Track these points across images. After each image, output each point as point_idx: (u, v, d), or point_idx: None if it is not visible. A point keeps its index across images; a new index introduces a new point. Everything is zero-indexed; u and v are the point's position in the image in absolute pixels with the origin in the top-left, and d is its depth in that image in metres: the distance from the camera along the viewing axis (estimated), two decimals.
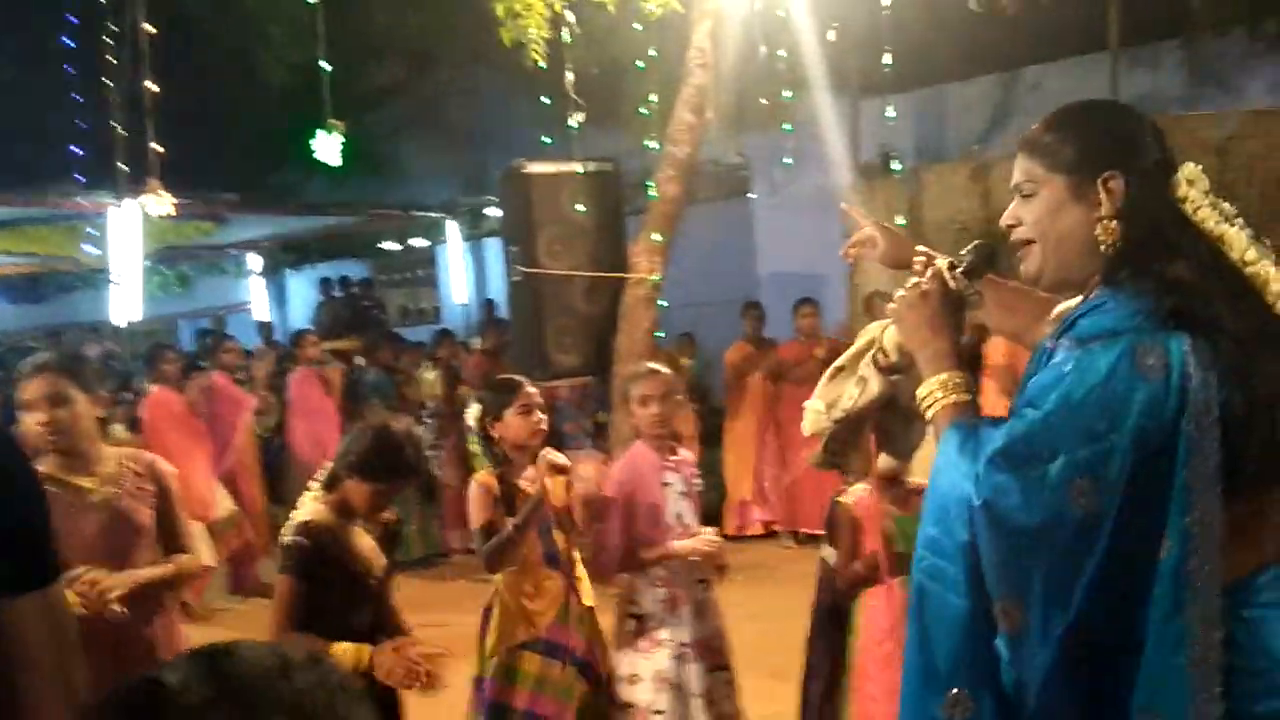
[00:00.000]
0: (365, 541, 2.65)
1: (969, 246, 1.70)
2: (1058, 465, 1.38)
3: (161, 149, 6.85)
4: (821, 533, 3.05)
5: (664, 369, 3.34)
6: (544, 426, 3.13)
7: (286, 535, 2.54)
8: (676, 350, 7.92)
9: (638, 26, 5.92)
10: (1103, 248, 1.51)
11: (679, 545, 3.12)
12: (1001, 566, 1.42)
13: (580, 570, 3.15)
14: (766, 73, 6.58)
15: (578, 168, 5.83)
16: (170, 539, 2.81)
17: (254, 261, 13.32)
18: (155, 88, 6.62)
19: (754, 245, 9.80)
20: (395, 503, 2.81)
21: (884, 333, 2.05)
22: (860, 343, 2.23)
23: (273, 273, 13.95)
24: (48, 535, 1.44)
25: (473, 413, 3.20)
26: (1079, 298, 1.57)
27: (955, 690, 1.44)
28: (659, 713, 3.06)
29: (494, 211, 10.47)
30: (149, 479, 2.79)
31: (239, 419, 6.89)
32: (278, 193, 12.37)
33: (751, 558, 6.76)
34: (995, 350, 4.78)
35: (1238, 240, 1.47)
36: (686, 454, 3.36)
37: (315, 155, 6.72)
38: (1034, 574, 1.40)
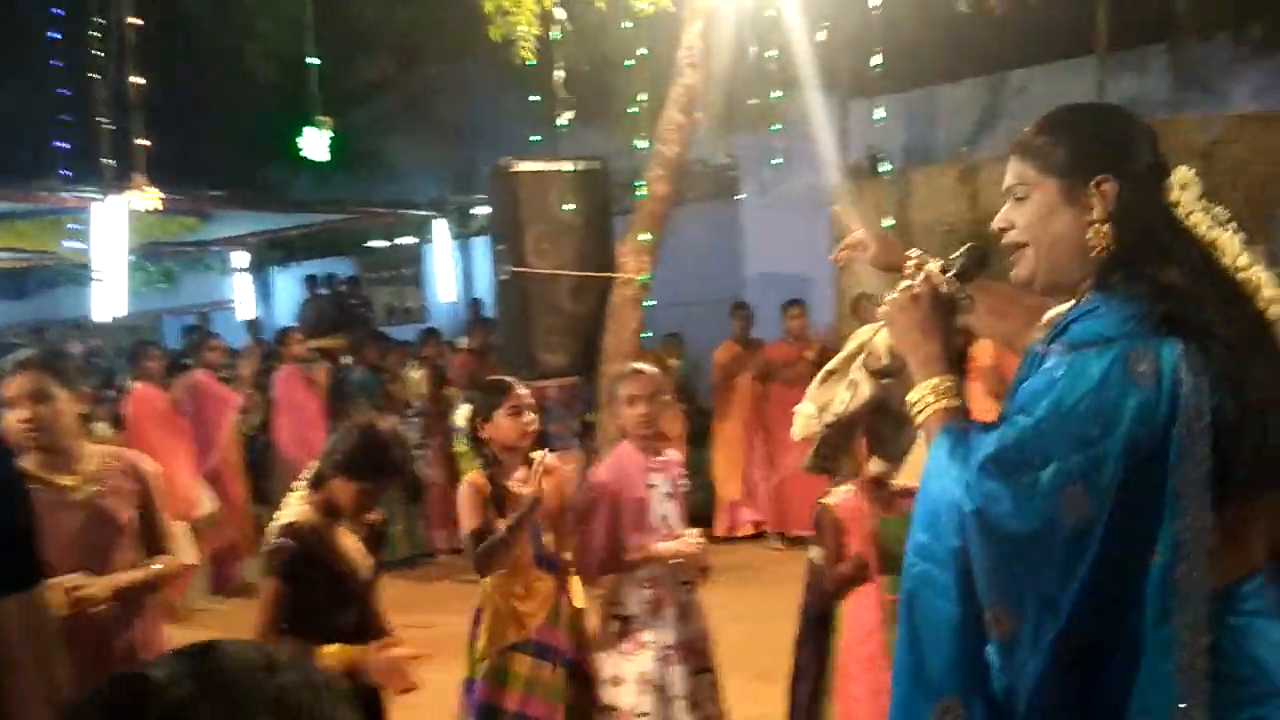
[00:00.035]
0: (351, 542, 2.64)
1: (960, 250, 1.69)
2: (1049, 472, 1.38)
3: (147, 144, 6.81)
4: (810, 534, 3.05)
5: (651, 369, 3.33)
6: (534, 428, 3.14)
7: (272, 537, 2.53)
8: (664, 350, 7.92)
9: (628, 25, 5.90)
10: (1095, 252, 1.50)
11: (662, 547, 3.11)
12: (992, 573, 1.41)
13: (571, 571, 3.14)
14: (756, 73, 6.58)
15: (566, 166, 5.81)
16: (152, 538, 2.78)
17: (239, 258, 13.23)
18: (141, 82, 6.57)
19: (742, 246, 9.81)
20: (381, 503, 2.80)
21: (875, 336, 2.05)
22: (851, 346, 2.22)
23: (258, 270, 13.87)
24: (32, 538, 1.43)
25: (463, 413, 3.19)
26: (1070, 302, 1.56)
27: (946, 697, 1.43)
28: (643, 715, 3.05)
29: (482, 210, 10.46)
30: (131, 477, 2.76)
31: (223, 417, 6.85)
32: (264, 189, 12.30)
33: (739, 559, 6.77)
34: (982, 352, 4.79)
35: (1230, 245, 1.47)
36: (673, 454, 3.35)
37: (303, 152, 6.69)
38: (1025, 581, 1.39)
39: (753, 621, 4.73)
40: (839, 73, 7.14)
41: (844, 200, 7.17)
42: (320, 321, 11.33)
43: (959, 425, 1.53)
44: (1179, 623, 1.35)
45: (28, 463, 2.57)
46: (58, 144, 9.17)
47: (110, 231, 8.18)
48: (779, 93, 6.80)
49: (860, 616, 2.84)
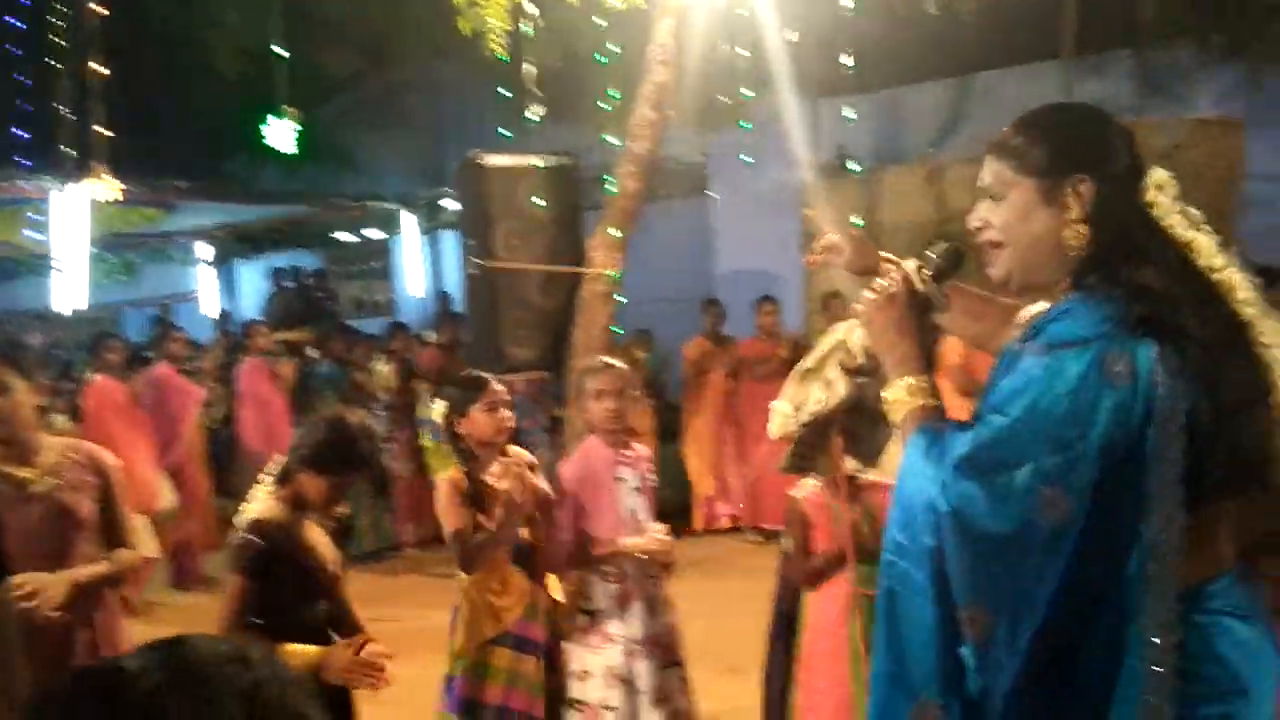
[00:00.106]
0: (319, 536, 2.61)
1: (937, 249, 1.69)
2: (1024, 473, 1.38)
3: (108, 133, 6.70)
4: (784, 527, 3.06)
5: (619, 364, 3.33)
6: (510, 424, 3.13)
7: (238, 532, 2.50)
8: (634, 346, 7.92)
9: (599, 21, 5.89)
10: (1071, 252, 1.50)
11: (629, 543, 3.11)
12: (968, 573, 1.41)
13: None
14: (728, 71, 6.60)
15: (536, 161, 5.79)
16: (112, 532, 2.75)
17: (203, 250, 13.07)
18: (103, 71, 6.47)
19: (712, 243, 9.83)
20: (347, 496, 2.78)
21: (851, 335, 2.05)
22: (827, 345, 2.23)
23: (222, 262, 13.71)
24: None
25: (439, 409, 3.18)
26: (1045, 303, 1.56)
27: (924, 696, 1.43)
28: (610, 709, 3.05)
29: (451, 204, 10.39)
30: (91, 470, 2.72)
31: (186, 411, 6.77)
32: (229, 180, 12.15)
33: (709, 552, 6.80)
34: (951, 350, 4.83)
35: (1205, 246, 1.48)
36: (641, 449, 3.35)
37: (268, 142, 6.61)
38: (1001, 581, 1.39)
39: (722, 615, 4.75)
40: (809, 72, 7.16)
41: (815, 201, 7.21)
42: (286, 314, 11.21)
43: (934, 424, 1.53)
44: (1148, 621, 1.36)
45: None
46: (17, 133, 9.00)
47: (70, 222, 8.05)
48: (749, 91, 6.83)
49: (825, 609, 2.86)
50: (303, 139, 6.64)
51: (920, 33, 7.28)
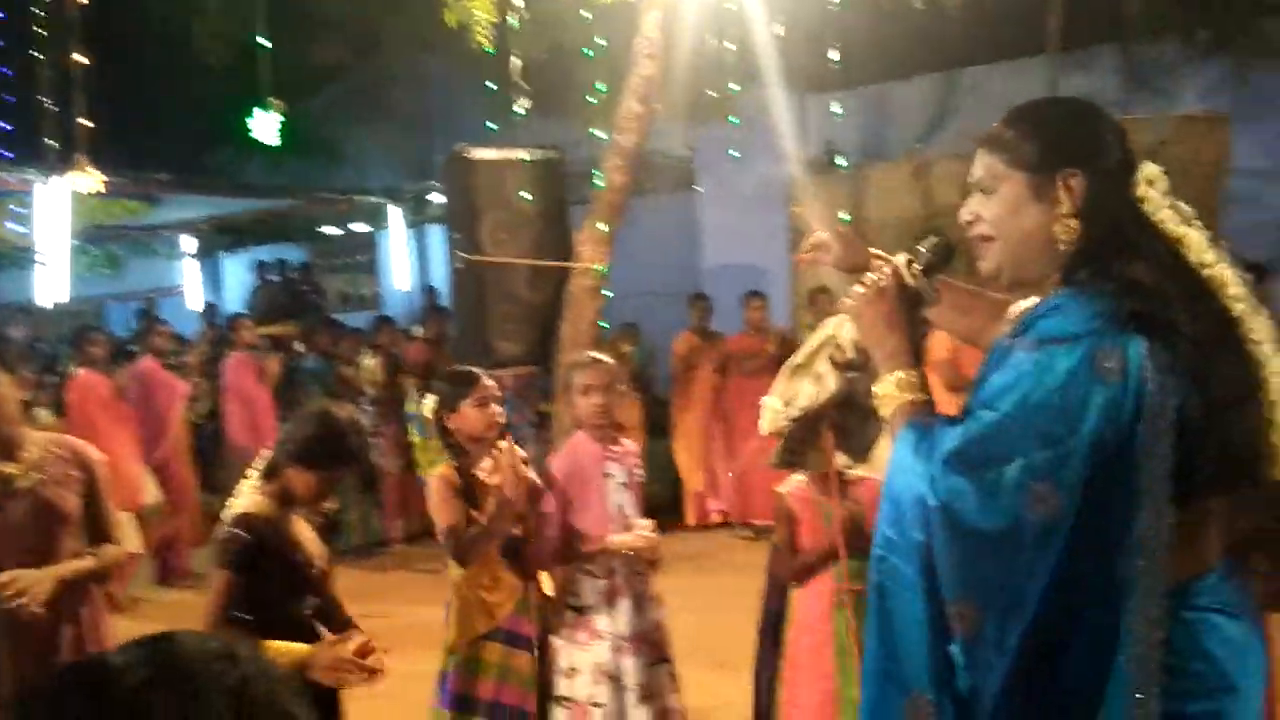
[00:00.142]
0: (305, 531, 2.60)
1: (927, 243, 1.68)
2: (1014, 468, 1.37)
3: (90, 124, 6.64)
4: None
5: (606, 358, 3.32)
6: (501, 419, 3.12)
7: (225, 527, 2.48)
8: (620, 339, 7.91)
9: (586, 14, 5.87)
10: (1062, 246, 1.50)
11: (615, 540, 3.11)
12: (956, 569, 1.41)
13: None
14: (715, 65, 6.58)
15: (523, 155, 5.77)
16: (96, 527, 2.73)
17: (187, 243, 12.98)
18: (85, 61, 6.41)
19: (699, 238, 9.83)
20: (335, 491, 2.76)
21: (841, 330, 2.04)
22: (817, 340, 2.22)
23: (207, 255, 13.62)
24: None
25: (428, 404, 3.17)
26: (1035, 298, 1.56)
27: (916, 693, 1.43)
28: (598, 705, 3.05)
29: (437, 198, 10.35)
30: (75, 465, 2.70)
31: (172, 406, 6.73)
32: (213, 173, 12.07)
33: (702, 547, 6.82)
34: (938, 345, 4.84)
35: (1196, 241, 1.47)
36: (629, 444, 3.35)
37: (252, 134, 6.56)
38: (990, 577, 1.39)
39: (712, 610, 4.75)
40: (796, 67, 7.17)
41: (802, 196, 7.22)
42: (271, 308, 11.16)
43: (924, 419, 1.53)
44: (1135, 617, 1.35)
45: None
46: None
47: (52, 214, 7.98)
48: (736, 86, 6.82)
49: (810, 605, 2.87)
50: (288, 131, 6.59)
51: (907, 28, 7.28)
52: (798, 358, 2.24)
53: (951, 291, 1.81)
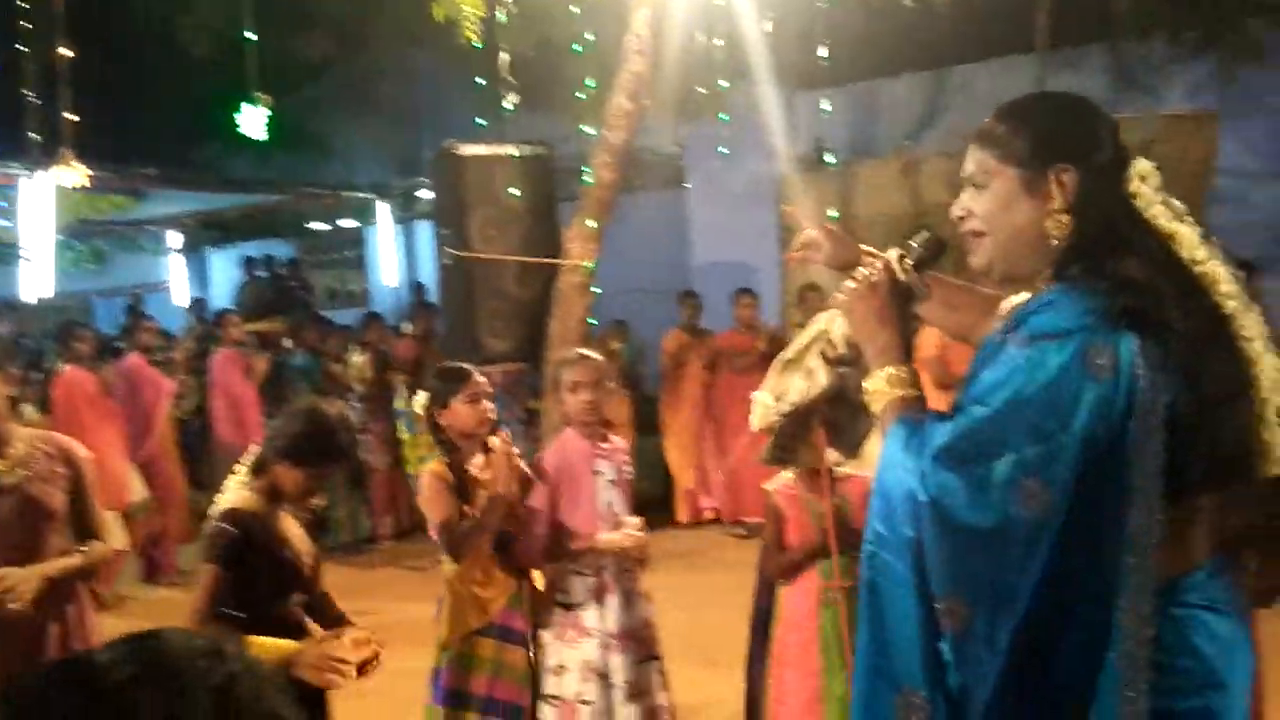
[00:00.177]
0: (294, 527, 2.58)
1: (918, 238, 1.67)
2: (1004, 464, 1.37)
3: (75, 118, 6.59)
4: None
5: (595, 355, 3.31)
6: (492, 415, 3.12)
7: (212, 522, 2.47)
8: (609, 336, 7.90)
9: (575, 9, 5.86)
10: (1054, 242, 1.49)
11: (603, 540, 3.10)
12: (946, 565, 1.40)
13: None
14: (704, 62, 6.58)
15: (512, 151, 5.75)
16: (83, 524, 2.71)
17: (174, 239, 12.91)
18: (70, 54, 6.35)
19: (688, 235, 9.83)
20: (324, 488, 2.75)
21: (832, 324, 2.03)
22: (808, 335, 2.21)
23: (194, 251, 13.55)
24: None
25: (419, 401, 3.17)
26: (1026, 294, 1.55)
27: (907, 689, 1.42)
28: (586, 702, 3.04)
29: (426, 193, 10.32)
30: (62, 462, 2.68)
31: (158, 404, 6.69)
32: (199, 168, 12.00)
33: (693, 545, 6.82)
34: (927, 342, 4.85)
35: (1188, 238, 1.47)
36: (618, 441, 3.34)
37: (240, 129, 6.53)
38: (980, 573, 1.38)
39: (703, 608, 4.76)
40: (785, 64, 7.17)
41: (791, 194, 7.22)
42: (258, 304, 11.11)
43: (914, 415, 1.52)
44: (1125, 614, 1.35)
45: None
46: None
47: (37, 209, 7.92)
48: (725, 82, 6.82)
49: (797, 603, 2.87)
50: (275, 126, 6.55)
51: (896, 26, 7.29)
52: (789, 353, 2.24)
53: (942, 287, 1.80)
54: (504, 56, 5.65)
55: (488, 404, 3.10)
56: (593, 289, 5.82)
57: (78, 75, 6.51)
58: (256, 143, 6.82)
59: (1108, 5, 7.58)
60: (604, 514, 3.15)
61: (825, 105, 7.08)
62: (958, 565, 1.40)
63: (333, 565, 2.97)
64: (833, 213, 7.05)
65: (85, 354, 6.40)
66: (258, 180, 11.22)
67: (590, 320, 5.95)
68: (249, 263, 12.70)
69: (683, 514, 7.41)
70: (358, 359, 7.54)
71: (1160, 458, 1.36)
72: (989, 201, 1.54)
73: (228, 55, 7.51)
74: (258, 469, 2.52)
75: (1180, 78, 7.93)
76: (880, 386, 1.57)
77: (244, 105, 6.38)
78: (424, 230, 11.55)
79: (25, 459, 2.62)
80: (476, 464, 3.09)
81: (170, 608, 5.52)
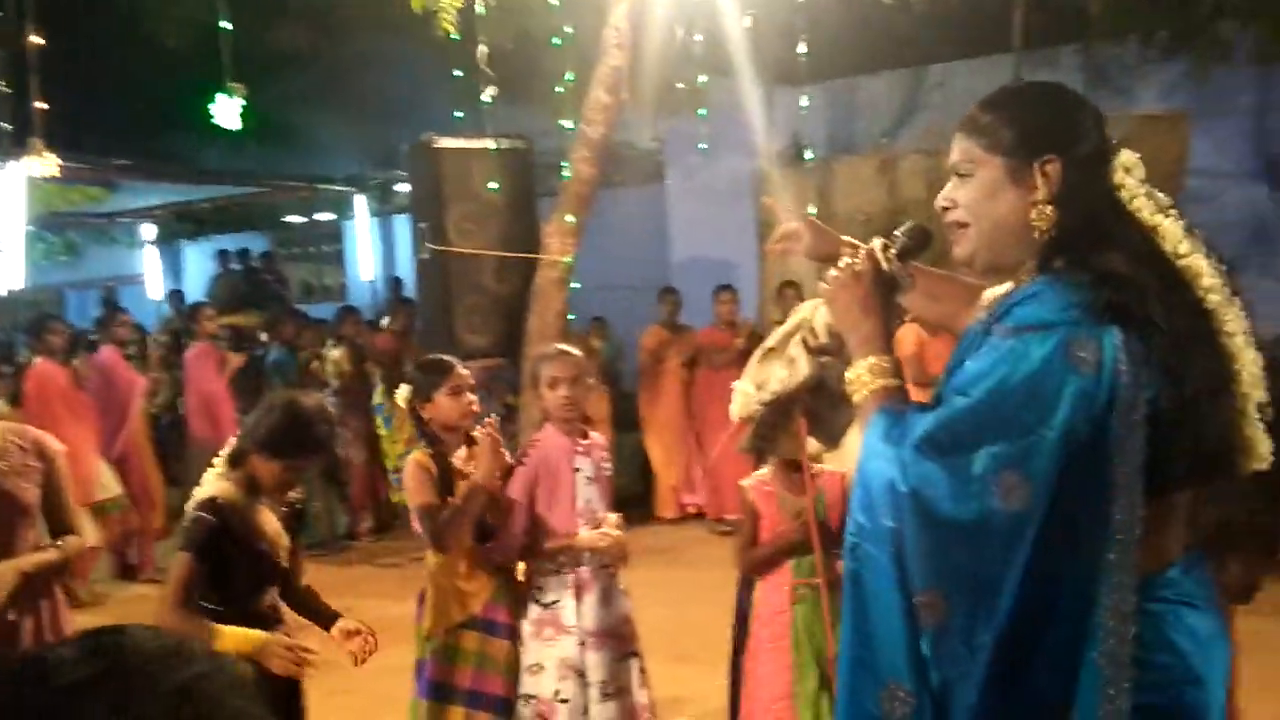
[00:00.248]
0: (271, 521, 2.56)
1: (903, 227, 1.66)
2: (983, 456, 1.36)
3: (45, 106, 6.49)
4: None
5: (574, 351, 3.30)
6: (475, 408, 3.11)
7: (190, 511, 2.44)
8: (589, 333, 7.89)
9: (553, 2, 5.83)
10: (1037, 233, 1.48)
11: (581, 539, 3.09)
12: (926, 557, 1.39)
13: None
14: (684, 57, 6.57)
15: (490, 144, 5.73)
16: (56, 519, 2.68)
17: (148, 231, 12.76)
18: (40, 42, 6.26)
19: (667, 230, 9.82)
20: (302, 482, 2.73)
21: (814, 313, 2.02)
22: (790, 324, 2.20)
23: (168, 243, 13.41)
24: None
25: (401, 394, 3.15)
26: (1008, 284, 1.55)
27: (891, 682, 1.41)
28: (564, 701, 3.03)
29: (403, 187, 10.26)
30: (35, 455, 2.65)
31: (131, 400, 6.61)
32: (172, 159, 11.85)
33: (674, 541, 6.83)
34: (905, 339, 4.88)
35: (1172, 232, 1.46)
36: (598, 438, 3.33)
37: (214, 120, 6.45)
38: (960, 567, 1.37)
39: (681, 604, 4.77)
40: (765, 60, 7.18)
41: (769, 189, 7.23)
42: (233, 297, 11.01)
43: (896, 405, 1.51)
44: (1106, 611, 1.34)
45: None
46: None
47: (7, 200, 7.80)
48: (704, 77, 6.81)
49: (770, 597, 2.88)
50: (250, 117, 6.47)
51: (874, 22, 7.31)
52: (770, 341, 2.22)
53: (923, 277, 1.79)
54: (482, 49, 5.61)
55: (470, 396, 3.09)
56: (571, 284, 5.81)
57: (48, 64, 6.40)
58: (231, 134, 6.74)
59: (1082, 6, 7.63)
60: (583, 511, 3.13)
61: (804, 101, 7.08)
62: (937, 558, 1.39)
63: (310, 563, 2.95)
64: (811, 209, 7.06)
65: (58, 347, 6.31)
66: (232, 172, 11.11)
67: (569, 316, 5.94)
68: (223, 256, 12.58)
69: (667, 510, 7.40)
70: (335, 354, 7.49)
71: (1142, 453, 1.35)
72: (973, 191, 1.53)
73: (201, 45, 7.41)
74: (234, 460, 2.50)
75: (1153, 78, 8.00)
76: (862, 376, 1.56)
77: (218, 96, 6.30)
78: (401, 224, 11.48)
79: None
80: (460, 456, 3.08)
81: (149, 605, 5.46)
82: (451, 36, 5.52)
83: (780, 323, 2.52)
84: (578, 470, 3.15)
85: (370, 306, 10.47)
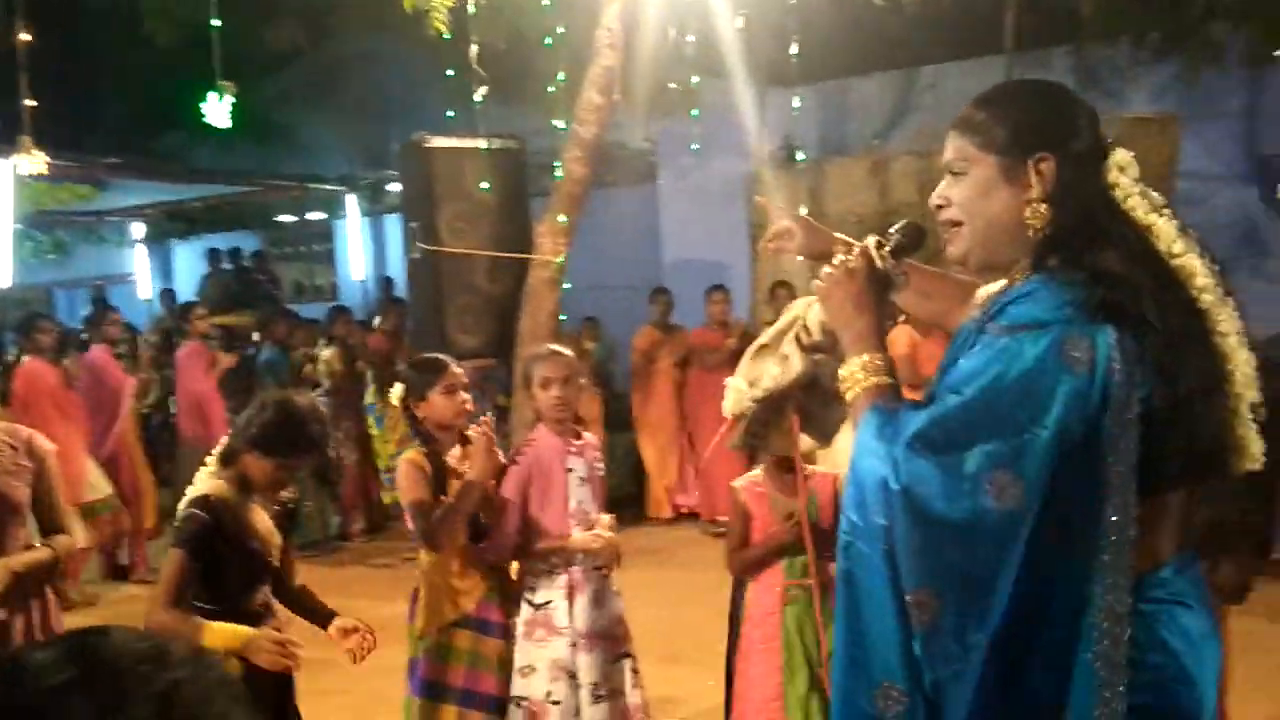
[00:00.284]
0: (264, 520, 2.55)
1: (898, 225, 1.65)
2: (976, 454, 1.35)
3: (34, 104, 6.45)
4: None
5: (566, 351, 3.30)
6: (469, 406, 3.11)
7: (182, 509, 2.43)
8: (581, 333, 7.88)
9: (546, 1, 5.82)
10: (1031, 231, 1.48)
11: (573, 541, 3.08)
12: (917, 555, 1.38)
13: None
14: (676, 58, 6.57)
15: (482, 144, 5.72)
16: (47, 518, 2.67)
17: (138, 230, 12.71)
18: (28, 38, 6.22)
19: (659, 231, 9.82)
20: (295, 481, 2.73)
21: (808, 310, 2.01)
22: (784, 321, 2.19)
23: (158, 242, 13.35)
24: None
25: (395, 393, 3.15)
26: (1002, 282, 1.54)
27: (885, 682, 1.40)
28: (555, 702, 3.02)
29: (395, 186, 10.23)
30: (26, 454, 2.64)
31: (122, 400, 6.58)
32: (163, 158, 11.81)
33: (667, 541, 6.83)
34: (898, 340, 4.89)
35: (1166, 231, 1.46)
36: (590, 438, 3.32)
37: (204, 118, 6.41)
38: (952, 566, 1.36)
39: (673, 605, 4.77)
40: (757, 61, 7.18)
41: (763, 190, 7.23)
42: (224, 297, 10.97)
43: (889, 402, 1.50)
44: (1100, 612, 1.34)
45: None
46: None
47: None
48: (697, 78, 6.81)
49: (761, 598, 2.88)
50: (241, 116, 6.44)
51: (866, 24, 7.33)
52: (764, 338, 2.21)
53: (917, 275, 1.78)
54: (474, 48, 5.60)
55: (465, 395, 3.09)
56: (563, 284, 5.80)
57: (38, 62, 6.37)
58: (222, 133, 6.70)
59: (1074, 8, 7.66)
60: (575, 512, 3.13)
61: (796, 102, 7.09)
62: (929, 557, 1.38)
63: (302, 563, 2.94)
64: (803, 210, 7.06)
65: (47, 346, 6.28)
66: (223, 171, 11.07)
67: (561, 316, 5.93)
68: (214, 255, 12.53)
69: (660, 511, 7.40)
70: (326, 353, 7.47)
71: (1135, 452, 1.35)
72: (967, 189, 1.52)
73: (192, 43, 7.38)
74: (227, 458, 2.49)
75: (1144, 81, 8.03)
76: (855, 373, 1.55)
77: (209, 94, 6.27)
78: (393, 224, 11.45)
79: None
80: (454, 455, 3.08)
81: (140, 605, 5.44)
82: (443, 36, 5.50)
83: (772, 323, 2.52)
84: (570, 471, 3.14)
85: (362, 306, 10.45)
